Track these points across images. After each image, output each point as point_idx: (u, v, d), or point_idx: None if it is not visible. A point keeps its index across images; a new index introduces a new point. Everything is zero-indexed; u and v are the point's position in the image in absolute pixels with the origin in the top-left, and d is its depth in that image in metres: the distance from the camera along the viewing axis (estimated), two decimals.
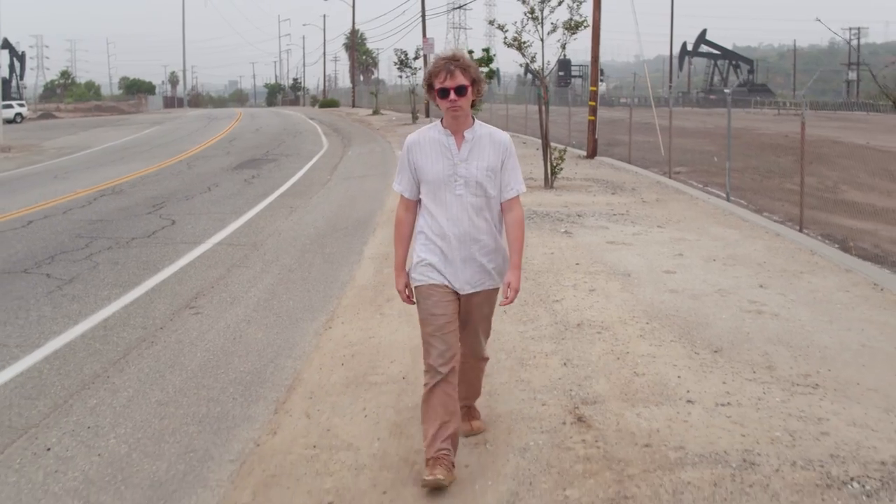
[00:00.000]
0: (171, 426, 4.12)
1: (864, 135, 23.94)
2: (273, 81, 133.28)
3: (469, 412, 3.81)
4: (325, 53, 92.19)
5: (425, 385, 3.35)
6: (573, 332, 5.33)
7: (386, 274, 7.08)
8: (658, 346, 5.01)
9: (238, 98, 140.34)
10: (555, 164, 13.33)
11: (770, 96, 61.05)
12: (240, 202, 12.27)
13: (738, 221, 9.86)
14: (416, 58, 38.59)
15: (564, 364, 4.73)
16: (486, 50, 23.95)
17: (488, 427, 3.86)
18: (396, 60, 38.94)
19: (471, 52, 20.40)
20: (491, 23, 17.22)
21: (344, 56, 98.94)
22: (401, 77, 41.09)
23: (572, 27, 13.71)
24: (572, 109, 23.48)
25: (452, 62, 3.29)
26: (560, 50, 14.28)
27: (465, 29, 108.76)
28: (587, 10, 15.45)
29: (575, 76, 70.28)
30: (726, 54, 72.09)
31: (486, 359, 3.76)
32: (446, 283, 3.38)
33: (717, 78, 71.26)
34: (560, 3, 13.65)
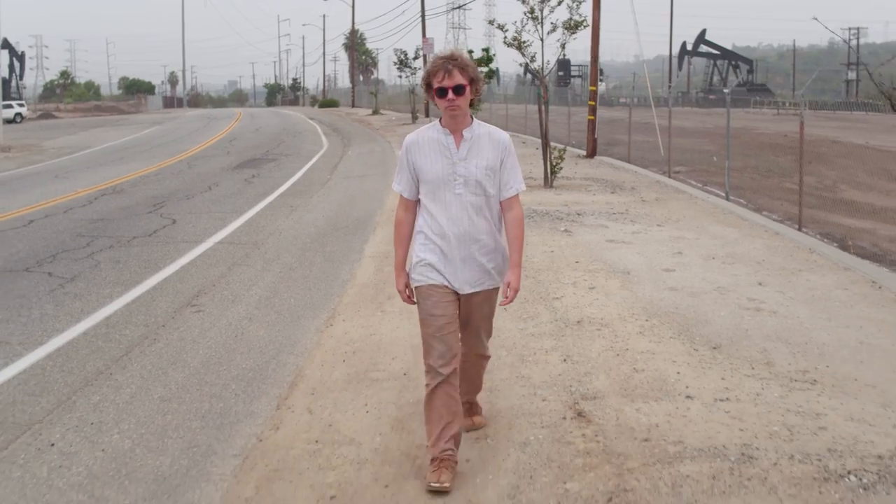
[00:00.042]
0: (174, 422, 4.15)
1: (863, 135, 23.99)
2: (273, 81, 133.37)
3: (471, 407, 3.83)
4: (324, 53, 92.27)
5: (427, 385, 3.38)
6: (573, 329, 5.37)
7: (386, 272, 7.11)
8: (657, 343, 5.04)
9: (237, 98, 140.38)
10: (554, 164, 13.36)
11: (769, 96, 61.14)
12: (240, 201, 12.30)
13: (737, 220, 9.90)
14: (415, 58, 38.62)
15: (564, 360, 4.76)
16: (486, 50, 23.98)
17: (489, 422, 3.89)
18: (396, 60, 38.97)
19: (470, 51, 20.42)
20: (491, 22, 17.25)
21: (343, 56, 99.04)
22: (400, 77, 41.16)
23: (572, 27, 13.75)
24: (572, 109, 23.52)
25: (450, 61, 3.29)
26: (560, 50, 14.32)
27: (465, 29, 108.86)
28: (587, 9, 15.51)
29: (574, 76, 70.36)
30: (726, 54, 72.18)
31: (488, 357, 3.75)
32: (446, 282, 3.37)
33: (716, 78, 71.35)
34: (560, 3, 13.69)
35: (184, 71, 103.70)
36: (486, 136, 3.40)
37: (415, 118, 36.26)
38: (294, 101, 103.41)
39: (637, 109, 23.78)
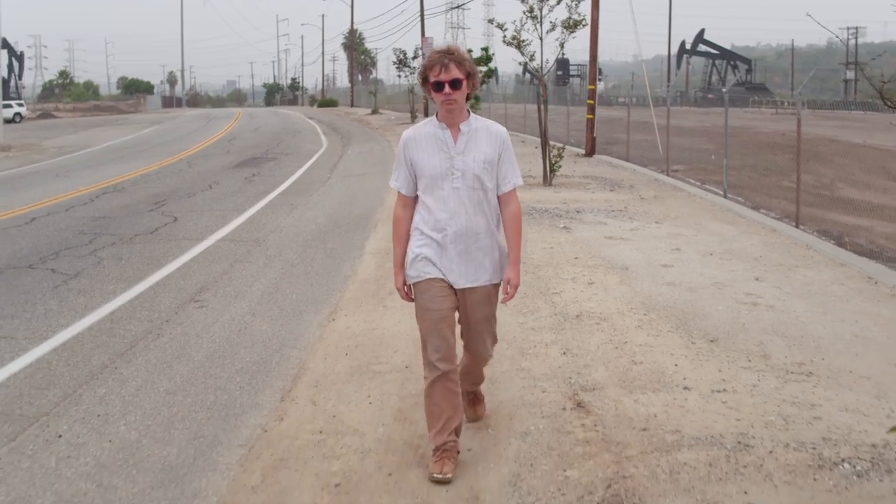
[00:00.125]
0: (179, 413, 4.21)
1: (861, 134, 24.09)
2: (271, 81, 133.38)
3: (474, 397, 3.85)
4: (323, 53, 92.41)
5: (425, 378, 3.43)
6: (572, 323, 5.44)
7: (387, 268, 7.18)
8: (655, 337, 5.12)
9: (236, 98, 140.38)
10: (553, 162, 13.44)
11: (768, 95, 61.25)
12: (241, 200, 12.36)
13: (735, 218, 9.97)
14: (414, 57, 38.62)
15: (564, 353, 4.83)
16: (485, 49, 24.05)
17: (490, 413, 3.96)
18: (395, 60, 38.97)
19: (470, 51, 20.45)
20: (490, 21, 17.31)
21: (342, 56, 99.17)
22: (399, 77, 41.16)
23: (571, 26, 13.83)
24: (571, 108, 23.58)
25: (447, 56, 3.28)
26: (559, 49, 14.39)
27: (464, 28, 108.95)
28: (585, 8, 15.60)
29: (573, 76, 70.43)
30: (724, 54, 72.29)
31: (491, 356, 3.70)
32: (441, 276, 3.36)
33: (714, 77, 71.47)
34: (559, 2, 13.77)
35: (182, 71, 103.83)
36: (483, 129, 3.40)
37: (414, 117, 36.32)
38: (293, 101, 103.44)
39: (636, 108, 23.88)
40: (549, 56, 15.27)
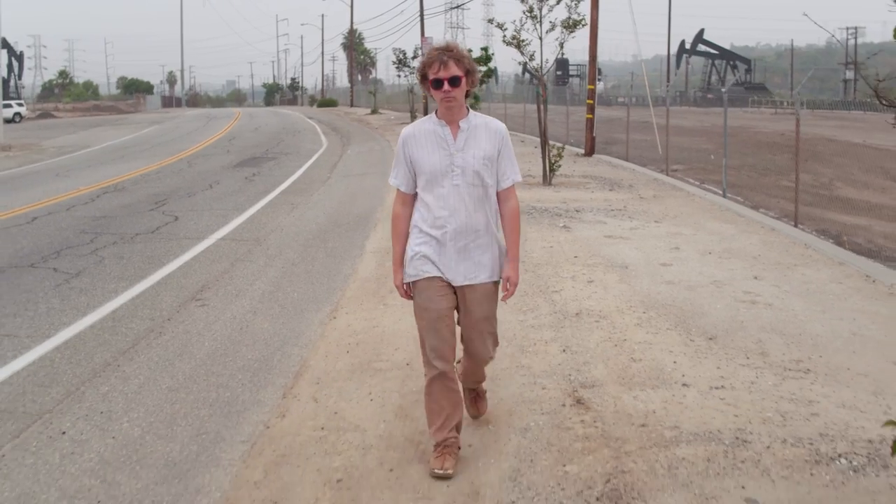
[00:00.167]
0: (182, 410, 4.24)
1: (860, 133, 24.15)
2: (271, 81, 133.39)
3: (476, 395, 3.85)
4: (323, 53, 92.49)
5: (425, 376, 3.45)
6: (572, 321, 5.48)
7: (388, 267, 7.21)
8: (654, 334, 5.15)
9: (236, 98, 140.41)
10: (553, 162, 13.48)
11: (767, 95, 61.29)
12: (241, 199, 12.39)
13: (733, 217, 10.01)
14: (414, 57, 38.60)
15: (564, 351, 4.87)
16: (485, 49, 24.08)
17: (490, 409, 3.99)
18: (395, 60, 39.00)
19: (469, 50, 20.48)
20: (490, 21, 17.34)
21: (342, 56, 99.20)
22: (399, 76, 41.18)
23: (570, 26, 13.86)
24: (570, 108, 23.62)
25: (446, 53, 3.27)
26: (558, 49, 14.42)
27: (463, 28, 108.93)
28: (585, 8, 15.64)
29: (573, 76, 70.45)
30: (724, 54, 72.33)
31: (492, 358, 3.64)
32: (440, 274, 3.35)
33: (714, 77, 71.51)
34: (558, 2, 13.81)
35: (182, 71, 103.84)
36: (482, 126, 3.39)
37: (413, 117, 36.36)
38: (292, 101, 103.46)
39: (635, 108, 23.92)
40: (549, 56, 15.33)
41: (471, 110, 3.44)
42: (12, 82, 70.29)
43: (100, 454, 3.76)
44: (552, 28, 13.88)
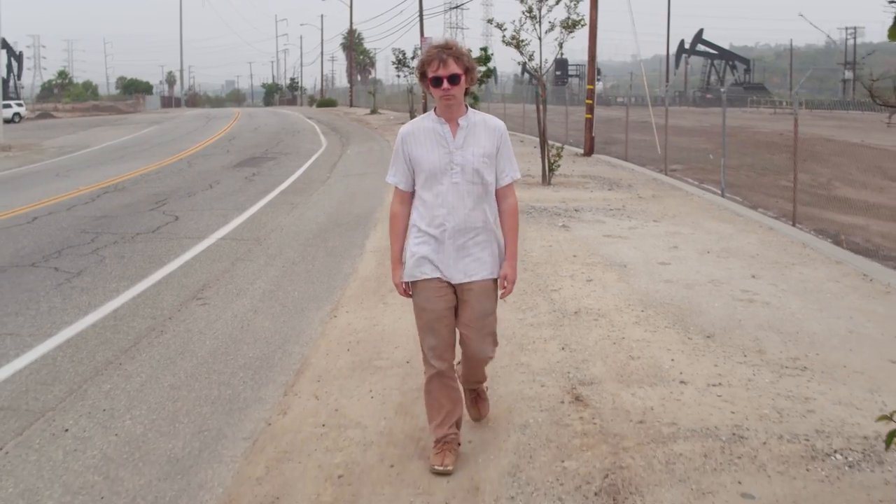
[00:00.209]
0: (184, 408, 4.28)
1: (859, 133, 24.21)
2: (270, 81, 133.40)
3: (477, 396, 3.82)
4: (322, 53, 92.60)
5: (425, 373, 3.49)
6: (571, 320, 5.51)
7: (388, 266, 7.22)
8: (653, 332, 5.19)
9: (235, 98, 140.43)
10: (552, 162, 13.52)
11: (766, 95, 61.33)
12: (241, 199, 12.43)
13: (732, 216, 10.05)
14: (413, 57, 38.66)
15: (562, 349, 4.91)
16: (484, 49, 24.11)
17: (490, 406, 4.02)
18: (394, 60, 39.05)
19: (469, 50, 20.52)
20: (489, 21, 17.37)
21: (341, 56, 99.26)
22: (398, 77, 41.25)
23: (569, 26, 13.91)
24: (569, 109, 23.66)
25: (445, 51, 3.26)
26: (557, 49, 14.46)
27: (463, 28, 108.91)
28: (584, 9, 15.68)
29: (572, 76, 70.53)
30: (723, 54, 72.41)
31: (492, 358, 3.59)
32: (439, 274, 3.35)
33: (713, 77, 71.58)
34: (558, 2, 13.85)
35: (181, 71, 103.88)
36: (481, 123, 3.38)
37: (413, 117, 36.33)
38: (292, 101, 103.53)
39: (634, 108, 23.96)
40: (548, 56, 15.41)
41: (469, 108, 3.43)
42: (11, 82, 70.34)
43: (103, 451, 3.79)
44: (551, 28, 13.93)
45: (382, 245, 8.39)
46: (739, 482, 3.23)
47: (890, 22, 2.41)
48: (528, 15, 13.77)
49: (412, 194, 3.45)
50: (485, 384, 3.86)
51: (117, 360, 5.11)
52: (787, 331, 5.22)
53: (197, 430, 3.98)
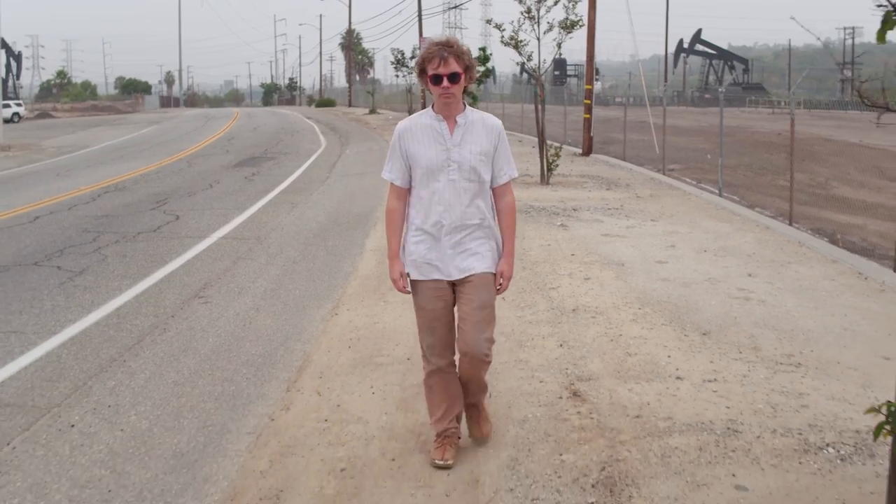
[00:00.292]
0: (188, 404, 4.34)
1: (857, 133, 24.28)
2: (269, 81, 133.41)
3: (477, 412, 3.66)
4: (321, 53, 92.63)
5: (424, 369, 3.55)
6: (569, 317, 5.59)
7: (387, 264, 7.31)
8: (650, 330, 5.26)
9: (234, 98, 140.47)
10: (551, 161, 13.59)
11: (765, 95, 61.44)
12: (241, 198, 12.49)
13: (729, 216, 10.13)
14: (412, 57, 38.76)
15: (561, 345, 4.98)
16: (483, 49, 24.17)
17: (490, 402, 4.08)
18: (393, 60, 39.14)
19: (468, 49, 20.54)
20: (488, 22, 17.44)
21: (340, 56, 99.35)
22: (397, 76, 41.31)
23: (568, 27, 13.98)
24: (568, 108, 23.75)
25: (446, 48, 3.25)
26: (556, 49, 14.53)
27: (461, 29, 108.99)
28: (583, 9, 15.75)
29: (571, 76, 70.63)
30: (721, 54, 72.51)
31: (489, 360, 3.46)
32: (437, 275, 3.36)
33: (712, 77, 71.69)
34: (556, 3, 13.91)
35: (180, 71, 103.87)
36: (479, 121, 3.39)
37: None
38: (291, 101, 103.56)
39: (632, 108, 24.04)
40: (547, 56, 15.43)
41: (467, 106, 3.44)
42: (10, 82, 70.36)
43: (109, 446, 3.85)
44: (550, 29, 13.99)
45: (382, 244, 8.46)
46: (733, 475, 3.30)
47: (880, 24, 2.47)
48: (526, 15, 13.83)
49: (408, 191, 3.46)
50: (486, 397, 3.74)
51: (121, 357, 5.17)
52: (782, 328, 5.30)
53: (201, 426, 4.05)
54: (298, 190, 13.72)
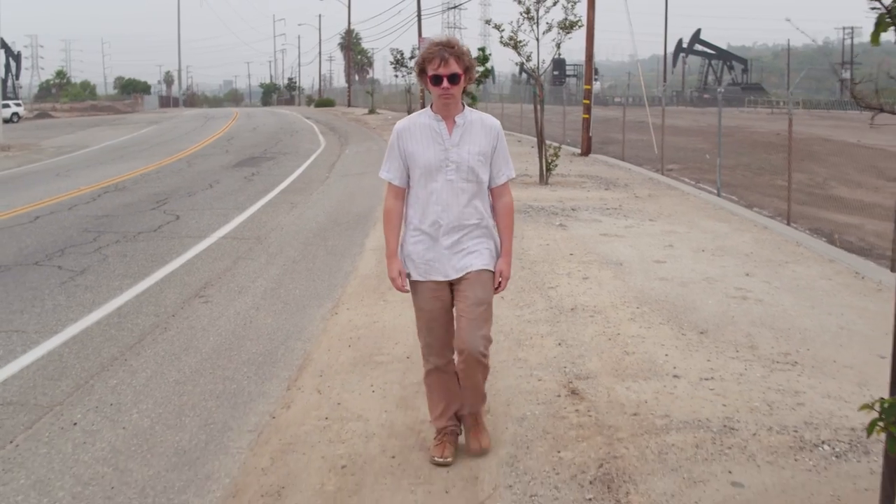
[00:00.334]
0: (190, 402, 4.38)
1: (855, 133, 24.33)
2: (268, 81, 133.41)
3: (476, 425, 3.59)
4: (320, 53, 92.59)
5: (424, 366, 3.59)
6: (567, 316, 5.63)
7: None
8: (647, 328, 5.30)
9: (233, 98, 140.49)
10: (549, 161, 13.63)
11: (764, 95, 61.52)
12: (241, 198, 12.52)
13: (727, 215, 10.17)
14: (411, 57, 38.80)
15: (559, 344, 5.02)
16: (482, 49, 24.21)
17: (489, 399, 4.11)
18: (392, 60, 39.19)
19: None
20: (487, 22, 17.49)
21: (339, 56, 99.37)
22: (396, 76, 41.36)
23: (567, 27, 14.01)
24: (567, 108, 23.79)
25: (447, 49, 3.25)
26: (555, 49, 14.57)
27: (461, 29, 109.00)
28: (582, 9, 15.80)
29: (570, 75, 70.59)
30: (721, 54, 72.59)
31: (487, 363, 3.41)
32: (435, 276, 3.38)
33: (711, 77, 71.76)
34: (555, 3, 13.95)
35: (179, 71, 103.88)
36: (477, 122, 3.39)
37: None
38: (290, 101, 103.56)
39: (631, 108, 24.08)
40: (546, 56, 15.46)
41: (466, 106, 3.45)
42: (10, 82, 70.38)
43: (111, 443, 3.89)
44: (549, 29, 14.03)
45: (382, 243, 8.43)
46: (730, 471, 3.34)
47: (874, 26, 2.50)
48: (525, 16, 13.87)
49: (406, 190, 3.47)
50: (484, 408, 3.71)
51: (122, 356, 5.20)
52: (779, 327, 5.34)
53: (203, 424, 4.08)
54: (298, 190, 13.76)
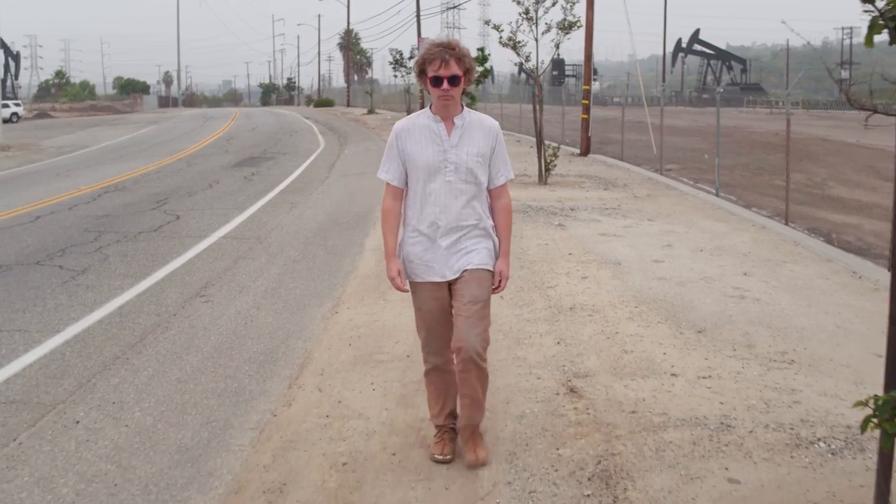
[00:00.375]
0: (192, 400, 4.41)
1: (854, 133, 24.37)
2: (267, 81, 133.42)
3: (473, 437, 3.53)
4: (319, 53, 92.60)
5: (424, 365, 3.63)
6: (566, 315, 5.67)
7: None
8: (645, 327, 5.34)
9: (232, 98, 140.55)
10: (548, 161, 13.67)
11: (763, 95, 61.57)
12: (241, 198, 12.55)
13: (726, 215, 10.21)
14: (410, 57, 38.85)
15: (558, 343, 5.06)
16: (481, 49, 24.25)
17: (488, 398, 4.13)
18: (392, 60, 39.23)
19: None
20: (486, 23, 17.54)
21: (338, 56, 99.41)
22: (396, 77, 41.40)
23: (566, 27, 14.05)
24: (566, 108, 23.84)
25: (448, 51, 3.25)
26: (554, 49, 14.61)
27: (460, 29, 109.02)
28: (580, 9, 15.83)
29: (569, 76, 70.62)
30: (720, 54, 72.65)
31: (484, 366, 3.38)
32: (434, 277, 3.39)
33: (710, 77, 71.82)
34: (554, 4, 13.99)
35: (179, 71, 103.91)
36: (476, 123, 3.40)
37: None
38: (289, 101, 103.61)
39: (630, 108, 24.13)
40: (545, 57, 15.54)
41: (465, 107, 3.46)
42: (9, 82, 70.34)
43: (114, 441, 3.92)
44: (548, 29, 14.07)
45: (381, 243, 8.48)
46: (726, 468, 3.38)
47: (867, 29, 2.53)
48: (524, 16, 13.91)
49: (404, 190, 3.48)
50: (482, 421, 3.61)
51: (124, 355, 5.24)
52: (776, 326, 5.38)
53: (205, 421, 4.12)
54: (298, 190, 13.79)
